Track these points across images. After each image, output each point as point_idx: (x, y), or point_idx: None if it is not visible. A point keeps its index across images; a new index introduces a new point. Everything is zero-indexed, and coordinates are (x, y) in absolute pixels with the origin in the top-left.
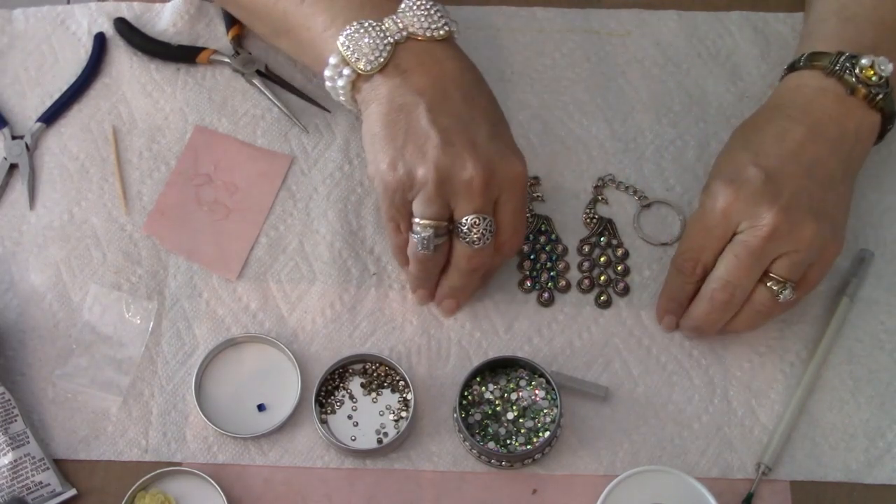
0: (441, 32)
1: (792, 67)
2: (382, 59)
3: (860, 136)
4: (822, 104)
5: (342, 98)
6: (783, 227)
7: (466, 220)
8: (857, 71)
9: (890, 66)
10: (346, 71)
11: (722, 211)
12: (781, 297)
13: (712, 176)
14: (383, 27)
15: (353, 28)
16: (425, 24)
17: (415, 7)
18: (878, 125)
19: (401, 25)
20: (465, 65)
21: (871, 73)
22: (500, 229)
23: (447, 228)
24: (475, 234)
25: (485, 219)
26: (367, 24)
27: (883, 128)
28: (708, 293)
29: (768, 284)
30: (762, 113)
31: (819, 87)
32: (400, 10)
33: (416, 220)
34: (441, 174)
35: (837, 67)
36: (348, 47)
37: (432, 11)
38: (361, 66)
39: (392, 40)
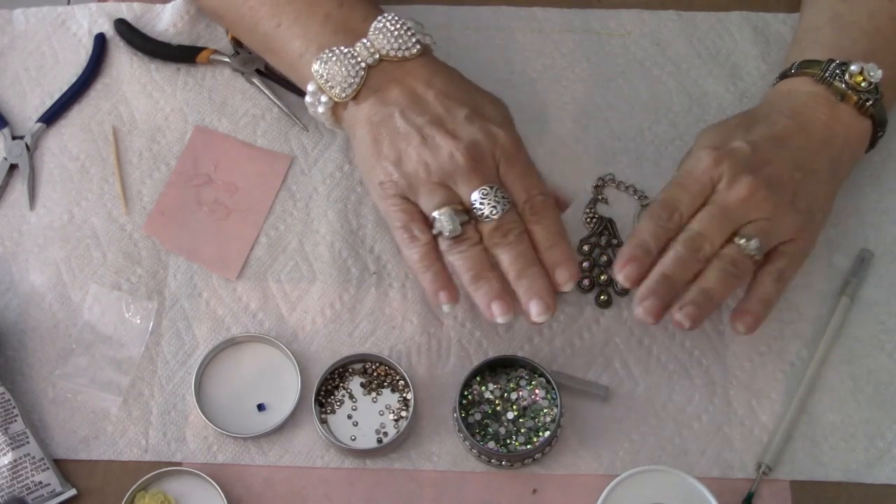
0: (413, 52)
1: (784, 75)
2: (356, 85)
3: (849, 141)
4: (812, 108)
5: (326, 123)
6: (760, 193)
7: (475, 198)
8: (846, 77)
9: (879, 73)
10: (323, 98)
11: (704, 169)
12: (748, 249)
13: (700, 140)
14: (354, 52)
15: (325, 55)
16: (396, 46)
17: (385, 29)
18: (868, 132)
19: (372, 49)
20: (436, 69)
21: (861, 79)
22: (515, 196)
23: (465, 212)
24: (488, 207)
25: (492, 187)
26: (338, 51)
27: (874, 135)
28: (679, 240)
29: (735, 240)
30: (752, 110)
31: (809, 92)
32: (370, 33)
33: (431, 214)
34: (428, 166)
35: (827, 74)
36: (322, 75)
37: (403, 31)
38: (336, 94)
39: (364, 65)
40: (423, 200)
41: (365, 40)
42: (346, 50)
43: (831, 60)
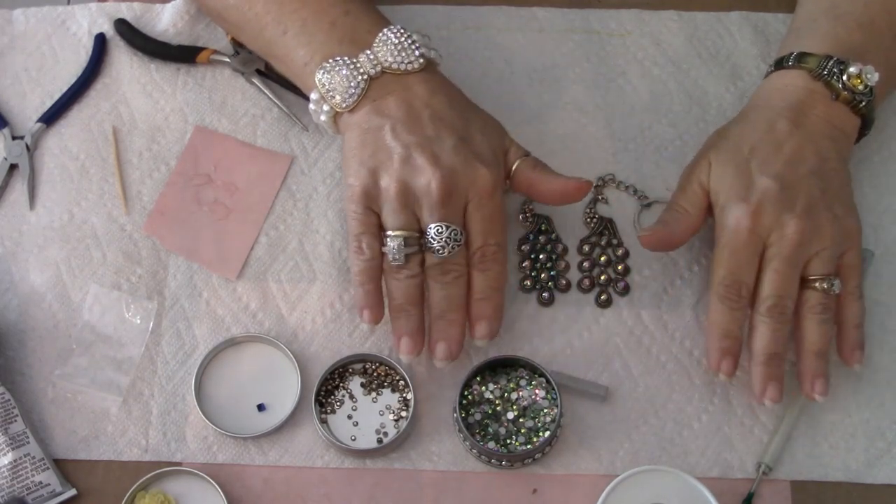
0: (416, 66)
1: (779, 64)
2: (357, 96)
3: (845, 133)
4: (811, 105)
5: (329, 131)
6: (807, 229)
7: (431, 228)
8: (844, 77)
9: (876, 76)
10: (325, 107)
11: (749, 229)
12: (833, 289)
13: (717, 183)
14: (357, 63)
15: (329, 65)
16: (399, 59)
17: (389, 42)
18: (857, 129)
19: (374, 61)
20: (437, 87)
21: (859, 81)
22: (471, 237)
23: (418, 240)
24: (438, 243)
25: (448, 227)
26: (341, 62)
27: (860, 132)
28: (763, 313)
29: (815, 286)
30: (751, 116)
31: (805, 88)
32: (375, 45)
33: (387, 232)
34: (401, 185)
35: (825, 72)
36: (324, 85)
37: (407, 44)
38: (337, 103)
39: (366, 76)
40: (385, 216)
41: (368, 52)
42: (349, 60)
43: (829, 57)
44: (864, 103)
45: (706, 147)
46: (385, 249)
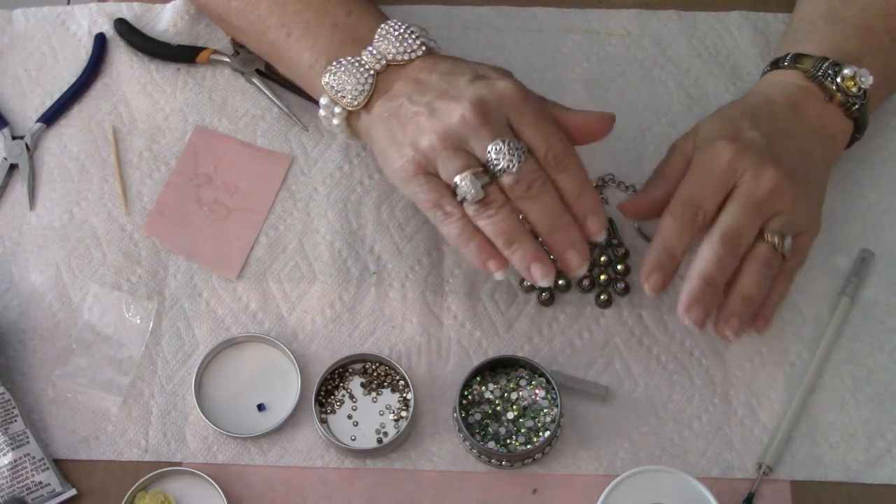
0: (419, 54)
1: (775, 64)
2: (366, 93)
3: (835, 138)
4: (805, 102)
5: (342, 136)
6: (784, 185)
7: (489, 152)
8: (838, 79)
9: (870, 79)
10: (336, 109)
11: (728, 161)
12: (783, 247)
13: (706, 133)
14: (362, 61)
15: (334, 67)
16: (401, 49)
17: (388, 35)
18: (849, 133)
19: (378, 56)
20: (438, 59)
21: (852, 83)
22: (533, 147)
23: (484, 172)
24: (504, 160)
25: (504, 140)
26: (346, 62)
27: (852, 137)
28: (715, 239)
29: (768, 238)
30: (748, 97)
31: (800, 86)
32: (375, 40)
33: (453, 181)
34: (440, 133)
35: (819, 73)
36: (332, 87)
37: (406, 34)
38: (348, 103)
39: (372, 72)
40: (443, 170)
41: (370, 48)
42: (353, 59)
43: (825, 59)
44: (857, 106)
45: (695, 125)
46: (461, 194)
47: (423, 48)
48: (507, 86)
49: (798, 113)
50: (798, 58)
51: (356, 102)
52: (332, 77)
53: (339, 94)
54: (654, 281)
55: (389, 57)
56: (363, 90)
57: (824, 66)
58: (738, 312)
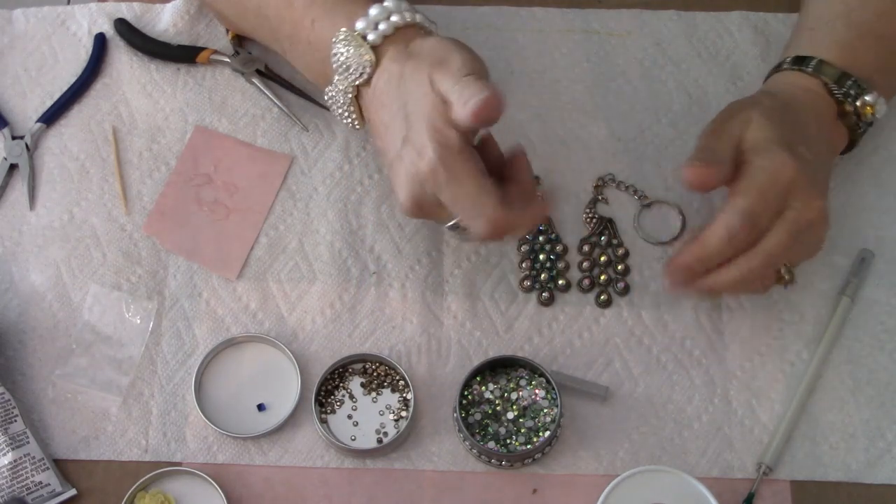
0: (418, 17)
1: (798, 64)
2: (370, 65)
3: (838, 149)
4: (824, 115)
5: (351, 118)
6: (822, 217)
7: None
8: (857, 103)
9: (884, 109)
10: (363, 52)
11: (790, 180)
12: (787, 277)
13: (760, 132)
14: (362, 52)
15: (342, 35)
16: (407, 17)
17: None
18: (844, 146)
19: (385, 12)
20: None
21: (870, 111)
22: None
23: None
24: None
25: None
26: (344, 35)
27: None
28: (756, 261)
29: (782, 271)
30: (780, 94)
31: (821, 96)
32: (370, 16)
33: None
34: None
35: (842, 93)
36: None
37: (402, 8)
38: (355, 80)
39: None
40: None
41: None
42: (349, 33)
43: (848, 75)
44: (861, 130)
45: (739, 107)
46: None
47: (417, 16)
48: (423, 164)
49: (821, 128)
50: (821, 66)
51: (362, 78)
52: (338, 47)
53: (349, 73)
54: (677, 280)
55: (390, 24)
56: (364, 71)
57: (848, 84)
58: (694, 278)
